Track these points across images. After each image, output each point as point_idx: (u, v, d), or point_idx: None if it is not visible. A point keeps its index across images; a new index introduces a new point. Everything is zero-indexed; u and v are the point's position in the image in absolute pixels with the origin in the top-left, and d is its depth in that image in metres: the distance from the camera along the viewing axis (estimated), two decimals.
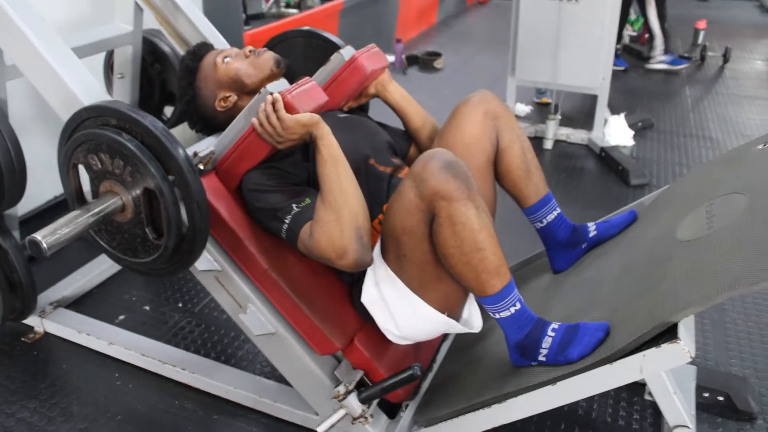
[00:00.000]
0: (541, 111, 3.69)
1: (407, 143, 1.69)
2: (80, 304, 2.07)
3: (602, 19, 3.01)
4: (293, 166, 1.39)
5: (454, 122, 1.54)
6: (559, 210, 1.60)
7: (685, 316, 1.09)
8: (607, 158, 3.11)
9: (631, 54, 4.95)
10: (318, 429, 1.40)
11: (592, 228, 1.67)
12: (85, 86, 1.40)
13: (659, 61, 4.62)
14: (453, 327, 1.37)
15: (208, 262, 1.41)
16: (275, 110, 1.29)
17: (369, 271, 1.36)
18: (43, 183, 2.39)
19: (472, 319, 1.43)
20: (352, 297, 1.46)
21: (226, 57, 1.53)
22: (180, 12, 1.87)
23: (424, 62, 4.73)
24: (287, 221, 1.31)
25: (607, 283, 1.44)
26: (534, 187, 1.55)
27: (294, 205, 1.32)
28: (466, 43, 5.58)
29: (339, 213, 1.26)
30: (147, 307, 2.08)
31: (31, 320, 1.94)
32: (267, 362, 1.78)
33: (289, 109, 1.30)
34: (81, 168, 1.33)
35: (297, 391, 1.54)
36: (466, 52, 5.19)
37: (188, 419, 1.65)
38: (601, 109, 3.25)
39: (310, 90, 1.37)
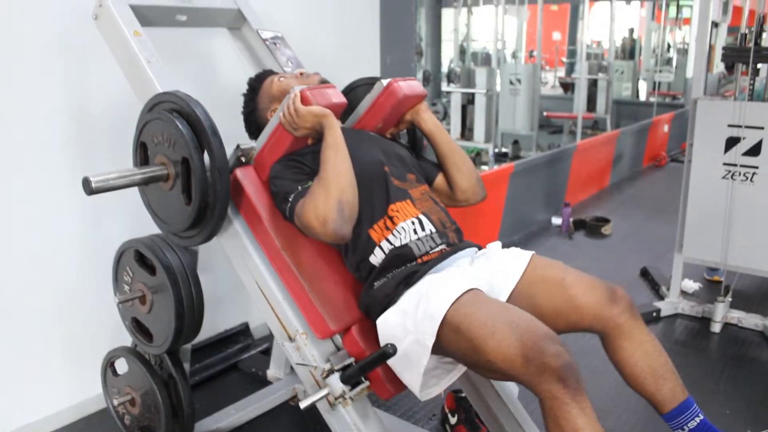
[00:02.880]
0: (711, 289, 3.49)
1: (435, 170, 1.86)
2: None
3: None
4: (313, 159, 1.62)
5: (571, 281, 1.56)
6: (702, 416, 1.50)
7: None
8: None
9: None
10: (300, 405, 1.52)
11: None
12: (161, 78, 1.75)
13: None
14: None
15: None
16: (294, 102, 1.58)
17: (403, 318, 1.48)
18: (210, 317, 2.68)
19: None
20: (360, 294, 1.62)
21: (281, 77, 1.86)
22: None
23: (591, 228, 4.70)
24: (290, 200, 1.55)
25: None
26: (669, 393, 1.49)
27: (299, 187, 1.57)
28: (637, 208, 5.48)
29: (328, 187, 1.49)
30: None
31: None
32: None
33: (305, 101, 1.59)
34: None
35: None
36: (635, 219, 5.10)
37: None
38: None
39: (328, 90, 1.67)
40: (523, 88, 7.38)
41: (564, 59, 12.76)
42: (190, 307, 1.81)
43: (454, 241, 1.66)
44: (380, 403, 2.38)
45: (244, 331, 2.85)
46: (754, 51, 2.82)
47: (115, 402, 2.06)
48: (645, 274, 3.80)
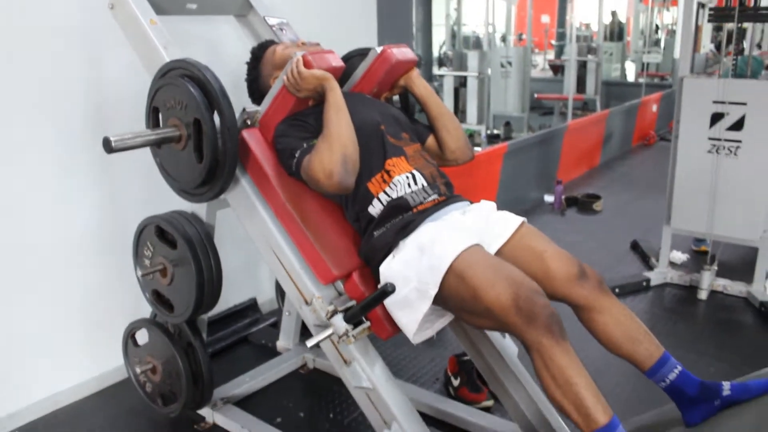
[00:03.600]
0: (699, 260, 3.63)
1: (427, 132, 2.00)
2: (245, 402, 2.34)
3: (763, 173, 3.01)
4: (316, 119, 1.75)
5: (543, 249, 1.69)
6: (680, 368, 1.63)
7: None
8: (767, 314, 2.99)
9: None
10: (307, 343, 1.62)
11: (726, 387, 1.67)
12: (168, 50, 1.87)
13: None
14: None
15: (358, 378, 1.67)
16: (297, 66, 1.71)
17: (405, 268, 1.61)
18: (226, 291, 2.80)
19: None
20: (361, 243, 1.76)
21: (284, 47, 1.98)
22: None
23: (583, 204, 4.85)
24: (297, 155, 1.70)
25: None
26: (646, 353, 1.62)
27: (304, 144, 1.71)
28: (628, 186, 5.63)
29: (331, 143, 1.63)
30: (302, 414, 2.32)
31: (204, 411, 2.24)
32: None
33: (307, 65, 1.72)
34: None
35: None
36: (626, 196, 5.25)
37: None
38: (763, 262, 3.16)
39: (327, 55, 1.80)
40: (514, 70, 7.51)
41: (553, 42, 12.85)
42: (210, 278, 1.93)
43: (445, 192, 1.80)
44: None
45: (252, 306, 2.97)
46: (738, 10, 2.98)
47: (138, 370, 2.18)
48: (635, 246, 3.95)
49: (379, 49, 1.94)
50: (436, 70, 8.58)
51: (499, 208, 1.85)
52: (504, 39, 10.30)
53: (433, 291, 1.54)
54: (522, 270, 1.61)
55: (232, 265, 2.78)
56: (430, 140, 1.99)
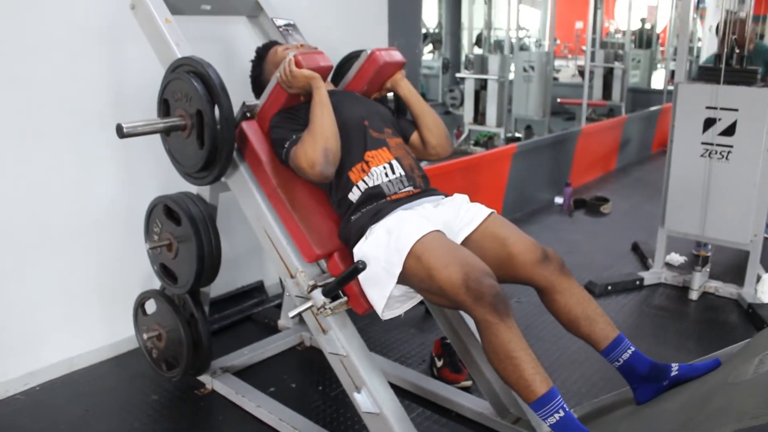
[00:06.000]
0: (696, 263, 3.72)
1: (412, 128, 2.15)
2: (243, 372, 2.54)
3: (753, 178, 3.11)
4: (306, 113, 1.91)
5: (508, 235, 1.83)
6: (633, 348, 1.77)
7: None
8: (753, 315, 3.09)
9: None
10: (289, 314, 1.83)
11: (674, 368, 1.81)
12: (180, 47, 2.08)
13: None
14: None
15: (334, 345, 1.85)
16: (289, 65, 1.90)
17: (375, 249, 1.76)
18: (229, 274, 3.01)
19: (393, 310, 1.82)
20: (340, 226, 1.92)
21: (284, 48, 2.17)
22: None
23: (591, 206, 4.95)
24: (286, 146, 1.89)
25: (665, 416, 1.59)
26: (602, 333, 1.76)
27: (294, 136, 1.90)
28: (640, 190, 5.71)
29: (315, 137, 1.81)
30: (293, 385, 2.51)
31: (204, 378, 2.44)
32: None
33: (298, 64, 1.90)
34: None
35: None
36: (636, 200, 5.33)
37: None
38: (753, 265, 3.25)
39: (317, 55, 1.97)
40: (536, 75, 7.60)
41: (584, 48, 12.85)
42: (209, 252, 2.14)
43: (420, 185, 1.96)
44: (377, 349, 2.69)
45: (259, 288, 3.18)
46: (725, 71, 3.11)
47: (145, 337, 2.40)
48: (635, 248, 4.06)
49: (368, 51, 2.12)
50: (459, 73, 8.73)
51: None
52: (539, 44, 10.36)
53: (398, 270, 1.71)
54: (487, 256, 1.77)
55: (241, 249, 3.02)
56: (415, 136, 2.16)
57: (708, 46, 9.60)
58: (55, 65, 2.35)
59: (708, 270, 3.39)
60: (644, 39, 11.27)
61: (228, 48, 2.86)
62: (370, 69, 2.11)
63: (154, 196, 2.28)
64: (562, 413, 1.50)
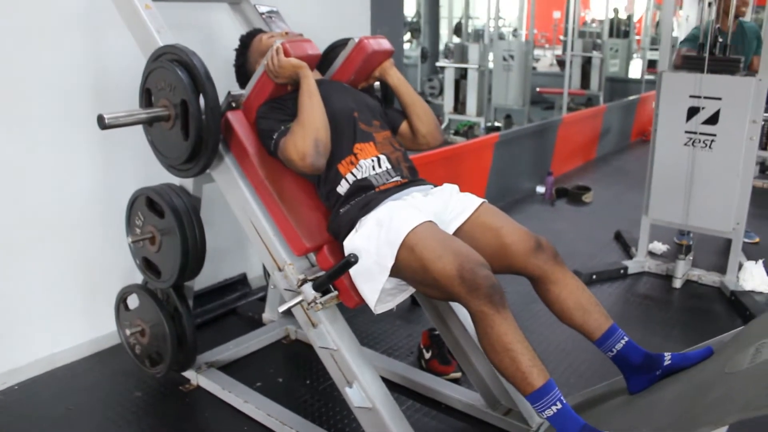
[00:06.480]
0: (679, 251, 3.75)
1: (401, 118, 2.12)
2: (229, 367, 2.50)
3: (736, 167, 3.12)
4: (294, 103, 1.87)
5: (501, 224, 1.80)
6: (626, 338, 1.76)
7: None
8: (736, 302, 3.11)
9: None
10: (279, 309, 1.80)
11: (667, 358, 1.80)
12: (161, 34, 2.01)
13: None
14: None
15: (324, 339, 1.81)
16: (276, 53, 1.85)
17: (366, 242, 1.73)
18: (212, 267, 2.95)
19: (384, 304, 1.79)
20: (329, 219, 1.88)
21: (269, 36, 2.13)
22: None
23: (573, 195, 4.97)
24: (274, 138, 1.84)
25: (661, 406, 1.58)
26: (596, 323, 1.75)
27: (282, 127, 1.85)
28: (620, 179, 5.74)
29: (304, 127, 1.77)
30: (280, 379, 2.47)
31: (188, 373, 2.39)
32: None
33: (285, 53, 1.86)
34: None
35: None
36: (617, 189, 5.36)
37: None
38: (736, 253, 3.28)
39: (305, 43, 1.93)
40: (516, 64, 7.59)
41: (561, 37, 12.90)
42: (194, 246, 2.08)
43: (407, 175, 1.93)
44: (364, 342, 2.66)
45: (242, 280, 3.13)
46: (708, 60, 3.11)
47: (128, 332, 2.34)
48: (618, 237, 4.07)
49: (356, 39, 2.07)
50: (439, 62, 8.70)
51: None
52: (515, 33, 10.34)
53: (390, 263, 1.67)
54: (480, 246, 1.74)
55: (225, 242, 2.96)
56: (404, 125, 2.12)
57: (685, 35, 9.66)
58: (36, 53, 2.27)
59: (691, 258, 3.41)
60: (616, 28, 11.33)
61: (210, 36, 2.79)
62: (357, 58, 2.06)
63: (135, 188, 2.21)
64: (559, 405, 1.49)
